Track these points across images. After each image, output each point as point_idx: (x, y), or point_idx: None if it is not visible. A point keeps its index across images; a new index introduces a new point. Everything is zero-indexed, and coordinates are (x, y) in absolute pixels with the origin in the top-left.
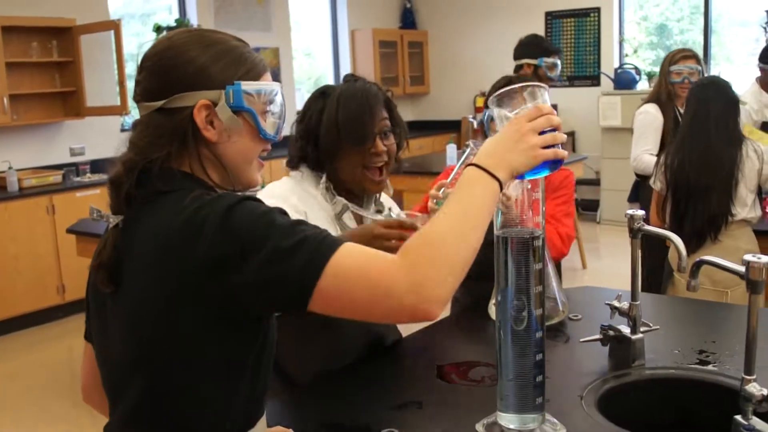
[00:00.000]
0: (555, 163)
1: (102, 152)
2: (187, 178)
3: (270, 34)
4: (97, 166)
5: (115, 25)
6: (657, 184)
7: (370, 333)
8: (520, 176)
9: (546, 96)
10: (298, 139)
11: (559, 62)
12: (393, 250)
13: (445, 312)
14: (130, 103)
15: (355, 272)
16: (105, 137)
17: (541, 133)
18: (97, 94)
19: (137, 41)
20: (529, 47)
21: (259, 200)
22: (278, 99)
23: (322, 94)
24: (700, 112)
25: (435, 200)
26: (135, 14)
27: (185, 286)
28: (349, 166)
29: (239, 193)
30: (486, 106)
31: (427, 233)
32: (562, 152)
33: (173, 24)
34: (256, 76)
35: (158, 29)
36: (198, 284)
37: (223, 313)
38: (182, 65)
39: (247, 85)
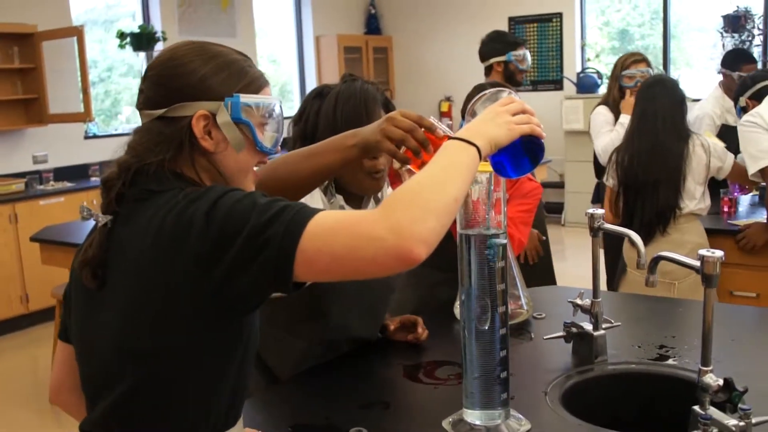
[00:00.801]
0: (536, 156)
1: (65, 160)
2: (179, 179)
3: (235, 41)
4: (60, 173)
5: (77, 32)
6: (610, 181)
7: (351, 327)
8: (506, 173)
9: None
10: (297, 140)
11: (527, 52)
12: (397, 141)
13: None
14: (94, 111)
15: (335, 227)
16: (68, 145)
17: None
18: (60, 101)
19: (100, 48)
20: (494, 44)
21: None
22: (276, 113)
23: (318, 95)
24: (647, 110)
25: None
26: (98, 20)
27: (181, 283)
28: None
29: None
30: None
31: (404, 186)
32: (539, 129)
33: (137, 30)
34: (256, 90)
35: (122, 36)
36: (193, 280)
37: (218, 308)
38: (183, 75)
39: (246, 98)
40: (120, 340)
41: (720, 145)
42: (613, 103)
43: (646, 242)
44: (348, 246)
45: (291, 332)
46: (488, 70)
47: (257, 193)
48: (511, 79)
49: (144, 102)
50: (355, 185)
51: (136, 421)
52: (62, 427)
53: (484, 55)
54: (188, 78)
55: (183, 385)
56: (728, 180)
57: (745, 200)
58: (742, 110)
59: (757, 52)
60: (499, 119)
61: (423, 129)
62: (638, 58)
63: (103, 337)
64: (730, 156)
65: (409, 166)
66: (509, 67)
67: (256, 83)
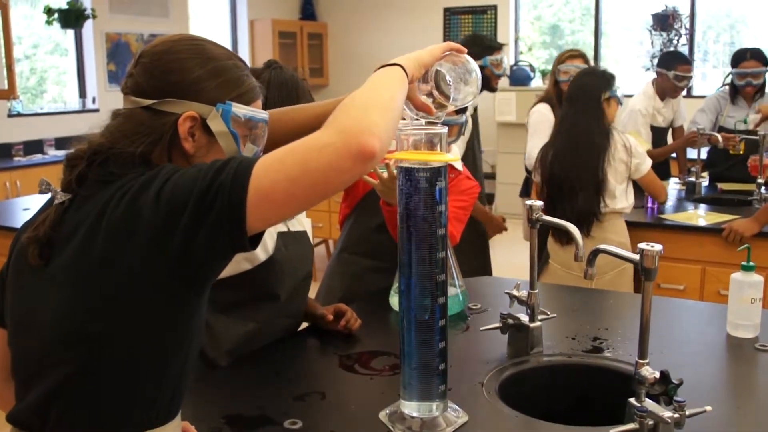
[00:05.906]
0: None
1: None
2: (147, 165)
3: (167, 21)
4: None
5: (2, 5)
6: (537, 177)
7: (286, 316)
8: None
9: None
10: None
11: (504, 57)
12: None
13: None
14: (19, 88)
15: (282, 156)
16: None
17: None
18: None
19: (26, 23)
20: (470, 48)
21: None
22: (262, 128)
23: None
24: (575, 106)
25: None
26: None
27: (137, 263)
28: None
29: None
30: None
31: (339, 105)
32: (457, 45)
33: (65, 6)
34: (248, 101)
35: (49, 11)
36: (150, 258)
37: (179, 282)
38: (179, 72)
39: (237, 108)
40: (67, 322)
41: (641, 147)
42: (556, 99)
43: (569, 242)
44: (301, 163)
45: (224, 319)
46: None
47: (201, 163)
48: (486, 84)
49: (132, 87)
50: None
51: (76, 408)
52: None
53: None
54: (183, 76)
55: (130, 372)
56: (644, 190)
57: (672, 195)
58: None
59: (683, 51)
60: (418, 50)
61: None
62: (574, 54)
63: (45, 318)
64: (648, 159)
65: None
66: (485, 72)
67: (249, 95)
